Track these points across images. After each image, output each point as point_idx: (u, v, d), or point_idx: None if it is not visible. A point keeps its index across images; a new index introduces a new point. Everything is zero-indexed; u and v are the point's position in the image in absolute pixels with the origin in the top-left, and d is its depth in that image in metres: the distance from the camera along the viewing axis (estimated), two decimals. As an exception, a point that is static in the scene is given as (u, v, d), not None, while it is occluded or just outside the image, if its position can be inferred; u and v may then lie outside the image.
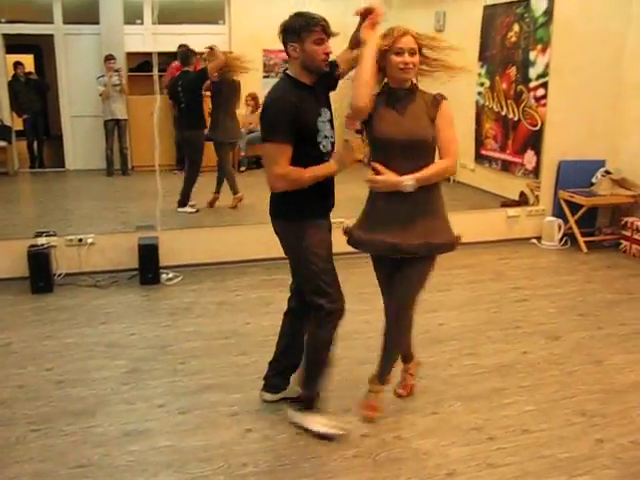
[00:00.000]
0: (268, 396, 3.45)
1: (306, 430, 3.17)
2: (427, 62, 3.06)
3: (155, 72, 5.77)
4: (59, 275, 5.25)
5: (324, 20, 2.88)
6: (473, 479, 2.85)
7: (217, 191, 7.06)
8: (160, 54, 6.20)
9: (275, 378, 3.45)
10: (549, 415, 3.36)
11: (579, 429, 3.25)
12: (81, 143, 8.44)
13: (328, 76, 3.07)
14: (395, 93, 3.03)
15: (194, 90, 6.80)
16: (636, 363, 3.97)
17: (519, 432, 3.21)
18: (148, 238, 5.39)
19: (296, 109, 2.86)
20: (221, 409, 3.39)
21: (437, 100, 3.00)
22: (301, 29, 2.86)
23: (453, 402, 3.48)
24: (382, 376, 3.34)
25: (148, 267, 5.27)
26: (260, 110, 3.02)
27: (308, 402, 3.21)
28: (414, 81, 3.05)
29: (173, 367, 3.87)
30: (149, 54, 5.98)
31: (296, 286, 3.37)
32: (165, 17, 6.46)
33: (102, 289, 5.16)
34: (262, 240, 5.74)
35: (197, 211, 6.85)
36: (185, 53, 6.88)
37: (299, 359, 3.27)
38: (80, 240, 5.36)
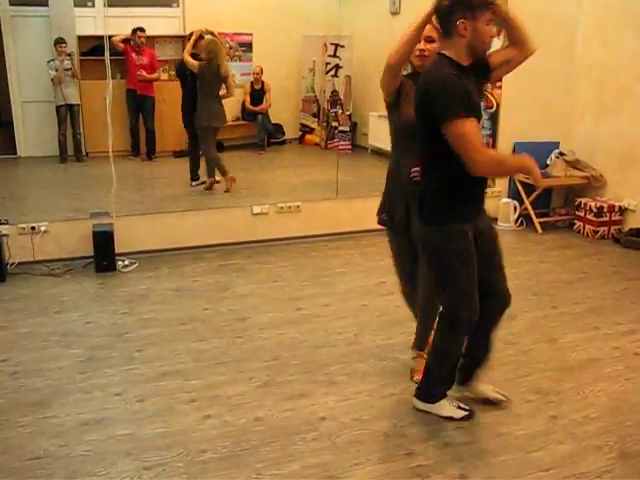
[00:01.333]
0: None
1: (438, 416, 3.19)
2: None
3: (107, 56, 5.66)
4: (12, 264, 5.13)
5: None
6: (432, 458, 2.88)
7: (210, 175, 7.03)
8: (113, 37, 6.08)
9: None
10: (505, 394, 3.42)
11: (534, 406, 3.31)
12: (33, 129, 8.22)
13: (483, 65, 2.89)
14: (416, 77, 3.00)
15: (182, 77, 6.91)
16: (588, 341, 4.06)
17: (477, 411, 3.25)
18: (103, 225, 5.31)
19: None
20: (179, 396, 3.37)
21: None
22: (478, 6, 2.65)
23: (411, 383, 3.51)
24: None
25: (103, 254, 5.18)
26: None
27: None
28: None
29: (130, 355, 3.83)
30: (101, 37, 5.85)
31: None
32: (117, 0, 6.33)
33: (57, 277, 5.07)
34: (218, 225, 5.73)
35: (203, 183, 7.06)
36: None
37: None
38: (33, 228, 5.26)
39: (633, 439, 3.04)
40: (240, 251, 5.63)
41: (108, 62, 5.61)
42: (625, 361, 3.80)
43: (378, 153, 8.43)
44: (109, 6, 5.82)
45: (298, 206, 5.97)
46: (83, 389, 3.44)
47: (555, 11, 6.42)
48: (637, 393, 3.45)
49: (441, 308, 3.07)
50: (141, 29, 7.63)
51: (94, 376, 3.58)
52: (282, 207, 5.93)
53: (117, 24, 7.11)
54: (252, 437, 3.03)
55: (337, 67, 8.68)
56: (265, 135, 8.62)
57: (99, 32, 6.60)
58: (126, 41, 7.60)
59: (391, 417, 3.20)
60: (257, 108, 8.56)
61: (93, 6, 7.66)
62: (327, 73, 8.83)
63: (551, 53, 6.51)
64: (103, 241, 5.19)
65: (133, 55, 7.69)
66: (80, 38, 8.08)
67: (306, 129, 9.30)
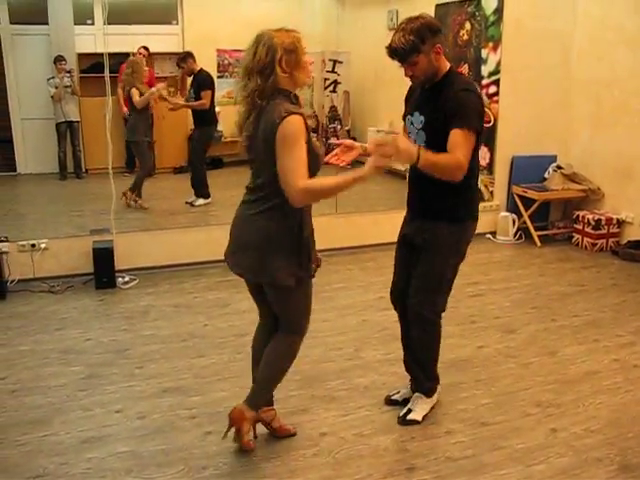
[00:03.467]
0: None
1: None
2: None
3: (107, 73, 5.70)
4: (12, 281, 5.13)
5: None
6: (433, 473, 2.88)
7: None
8: (112, 55, 6.11)
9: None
10: (505, 407, 3.42)
11: (534, 420, 3.31)
12: (32, 146, 8.26)
13: None
14: None
15: None
16: (588, 353, 4.06)
17: (477, 425, 3.25)
18: (103, 242, 5.32)
19: None
20: (180, 412, 3.37)
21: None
22: (440, 35, 3.03)
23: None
24: None
25: (103, 271, 5.19)
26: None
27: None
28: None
29: (131, 371, 3.83)
30: (101, 55, 5.89)
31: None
32: (117, 17, 6.37)
33: (57, 295, 5.07)
34: (218, 241, 5.71)
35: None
36: None
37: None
38: (33, 245, 5.26)
39: (634, 451, 3.04)
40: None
41: (108, 79, 5.64)
42: (624, 373, 3.81)
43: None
44: (109, 24, 5.85)
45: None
46: (83, 406, 3.44)
47: (550, 26, 6.48)
48: (637, 405, 3.45)
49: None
50: (145, 47, 7.70)
51: (94, 393, 3.58)
52: (281, 222, 5.95)
53: (117, 42, 7.14)
54: (253, 453, 3.02)
55: (335, 83, 8.73)
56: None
57: (99, 50, 6.63)
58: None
59: (392, 432, 3.20)
60: (256, 124, 8.59)
61: (93, 24, 7.71)
62: (326, 89, 8.87)
63: (547, 68, 6.57)
64: (103, 258, 5.20)
65: None
66: (80, 55, 8.14)
67: (305, 145, 9.31)
